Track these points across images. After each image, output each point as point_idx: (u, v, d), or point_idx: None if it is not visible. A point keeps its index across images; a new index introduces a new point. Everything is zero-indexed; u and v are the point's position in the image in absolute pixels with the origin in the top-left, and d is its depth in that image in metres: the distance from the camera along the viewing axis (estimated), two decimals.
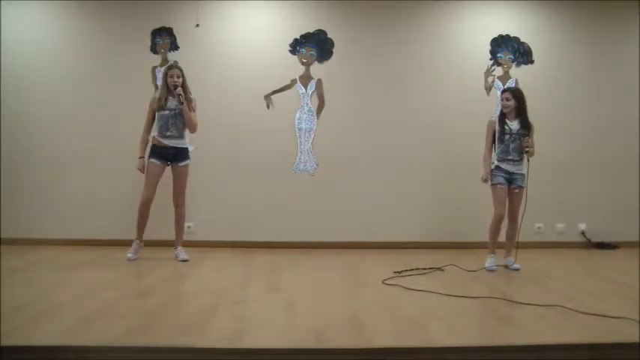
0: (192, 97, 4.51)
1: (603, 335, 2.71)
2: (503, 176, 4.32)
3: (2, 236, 5.11)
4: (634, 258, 4.85)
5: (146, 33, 5.29)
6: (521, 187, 4.33)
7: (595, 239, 5.54)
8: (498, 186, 4.31)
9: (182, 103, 4.35)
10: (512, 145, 4.28)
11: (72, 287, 3.56)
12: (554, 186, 5.49)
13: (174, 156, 4.48)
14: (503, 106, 4.33)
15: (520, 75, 5.50)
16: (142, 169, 4.46)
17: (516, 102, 4.30)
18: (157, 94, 4.47)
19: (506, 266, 4.35)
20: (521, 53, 5.55)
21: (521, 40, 5.54)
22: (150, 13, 5.30)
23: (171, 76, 4.38)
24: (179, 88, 4.35)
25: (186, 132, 4.50)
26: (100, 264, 4.35)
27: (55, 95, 5.28)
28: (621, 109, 5.61)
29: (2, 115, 5.24)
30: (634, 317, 2.92)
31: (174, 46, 5.33)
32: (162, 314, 3.02)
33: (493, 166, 4.37)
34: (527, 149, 4.23)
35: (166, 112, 4.41)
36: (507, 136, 4.29)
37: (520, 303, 3.29)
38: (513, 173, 4.33)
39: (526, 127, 4.30)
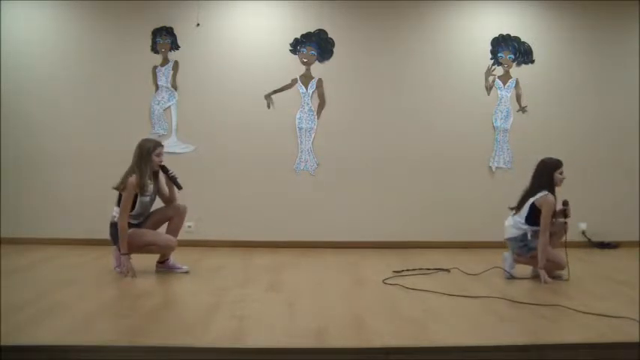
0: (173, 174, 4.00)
1: (603, 335, 2.71)
2: None
3: (2, 236, 5.12)
4: (634, 257, 4.85)
5: (147, 32, 5.30)
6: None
7: (595, 239, 5.53)
8: None
9: (167, 172, 3.91)
10: None
11: (72, 287, 3.56)
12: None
13: None
14: (561, 181, 3.97)
15: (520, 75, 5.50)
16: (126, 272, 3.74)
17: None
18: (140, 178, 3.81)
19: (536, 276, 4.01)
20: (522, 53, 5.54)
21: (522, 39, 5.54)
22: (150, 12, 5.30)
23: (158, 155, 3.88)
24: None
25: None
26: (99, 263, 4.35)
27: (56, 95, 5.28)
28: (621, 109, 5.59)
29: (2, 114, 5.24)
30: (634, 317, 2.92)
31: (174, 46, 5.33)
32: (162, 314, 3.03)
33: None
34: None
35: (147, 197, 3.91)
36: None
37: (520, 303, 3.29)
38: None
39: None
